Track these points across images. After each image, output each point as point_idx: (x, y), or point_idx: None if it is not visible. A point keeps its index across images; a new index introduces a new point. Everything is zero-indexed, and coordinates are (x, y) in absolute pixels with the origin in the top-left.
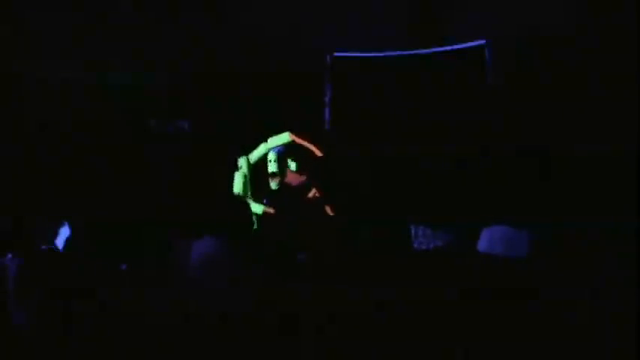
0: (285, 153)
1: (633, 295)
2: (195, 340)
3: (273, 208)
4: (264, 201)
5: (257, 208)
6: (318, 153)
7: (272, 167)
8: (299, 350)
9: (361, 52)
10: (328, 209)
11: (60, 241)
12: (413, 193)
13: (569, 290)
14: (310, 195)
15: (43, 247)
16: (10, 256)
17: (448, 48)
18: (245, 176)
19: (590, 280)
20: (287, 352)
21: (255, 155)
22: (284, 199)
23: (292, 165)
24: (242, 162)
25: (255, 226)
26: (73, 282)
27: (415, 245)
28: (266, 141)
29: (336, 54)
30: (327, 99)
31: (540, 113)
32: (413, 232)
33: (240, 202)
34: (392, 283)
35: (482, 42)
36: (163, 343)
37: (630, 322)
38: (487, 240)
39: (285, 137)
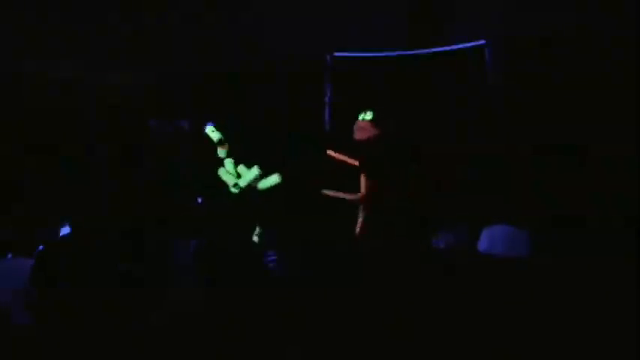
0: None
1: (633, 295)
2: (195, 340)
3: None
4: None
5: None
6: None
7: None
8: (297, 351)
9: (361, 52)
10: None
11: None
12: (413, 193)
13: (570, 290)
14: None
15: (42, 247)
16: (10, 256)
17: (448, 48)
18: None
19: (590, 280)
20: (286, 352)
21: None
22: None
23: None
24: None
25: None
26: (72, 281)
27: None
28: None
29: (336, 54)
30: (327, 99)
31: (540, 113)
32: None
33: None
34: (392, 282)
35: (482, 42)
36: (163, 343)
37: (630, 322)
38: (488, 239)
39: (274, 179)
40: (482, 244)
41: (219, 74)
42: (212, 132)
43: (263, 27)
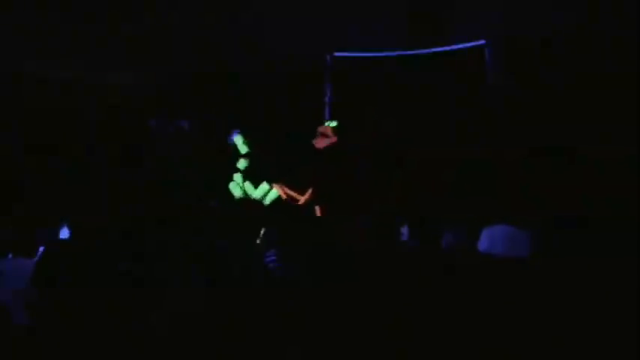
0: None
1: (633, 295)
2: (195, 340)
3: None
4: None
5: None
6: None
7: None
8: (297, 351)
9: (361, 52)
10: (317, 210)
11: None
12: (413, 193)
13: (569, 290)
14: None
15: (42, 247)
16: (10, 256)
17: (448, 48)
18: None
19: (590, 280)
20: (286, 352)
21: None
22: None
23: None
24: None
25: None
26: (72, 281)
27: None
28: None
29: (336, 54)
30: (327, 99)
31: (540, 113)
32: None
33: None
34: (392, 282)
35: (482, 42)
36: (163, 343)
37: (630, 322)
38: (488, 239)
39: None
40: (483, 244)
41: (219, 74)
42: (241, 143)
43: (263, 27)
